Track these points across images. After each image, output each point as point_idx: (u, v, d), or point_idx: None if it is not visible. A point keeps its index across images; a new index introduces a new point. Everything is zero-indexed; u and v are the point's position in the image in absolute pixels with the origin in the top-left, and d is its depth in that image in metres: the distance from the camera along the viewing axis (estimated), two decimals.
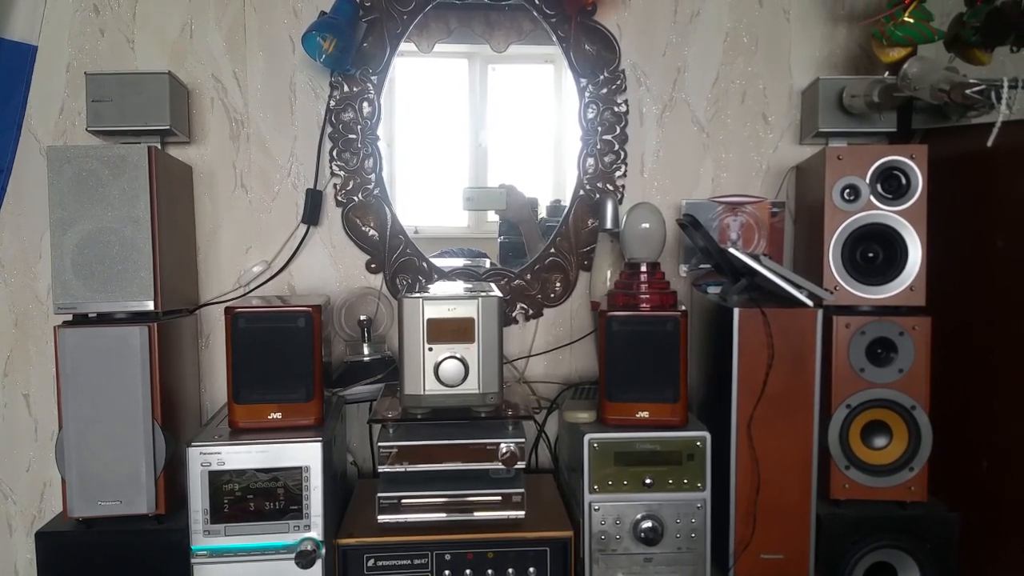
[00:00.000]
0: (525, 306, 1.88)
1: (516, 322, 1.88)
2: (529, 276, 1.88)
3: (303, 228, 1.85)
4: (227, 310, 1.37)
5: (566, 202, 1.88)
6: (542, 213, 1.92)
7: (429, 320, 1.40)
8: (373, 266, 1.86)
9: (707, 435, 1.40)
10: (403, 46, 1.85)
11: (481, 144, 1.91)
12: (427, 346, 1.41)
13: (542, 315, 1.89)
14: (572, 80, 1.86)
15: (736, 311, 1.39)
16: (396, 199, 1.86)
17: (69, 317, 1.53)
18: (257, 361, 1.37)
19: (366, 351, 1.75)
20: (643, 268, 1.51)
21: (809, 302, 1.39)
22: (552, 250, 1.87)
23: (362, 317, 1.76)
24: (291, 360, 1.38)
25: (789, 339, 1.40)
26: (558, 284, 1.88)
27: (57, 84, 1.82)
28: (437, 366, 1.40)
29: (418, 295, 1.41)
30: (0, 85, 1.82)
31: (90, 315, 1.54)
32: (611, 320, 1.43)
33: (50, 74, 1.82)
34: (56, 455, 1.50)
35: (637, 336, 1.43)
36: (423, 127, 1.92)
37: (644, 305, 1.48)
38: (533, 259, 1.88)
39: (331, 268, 1.87)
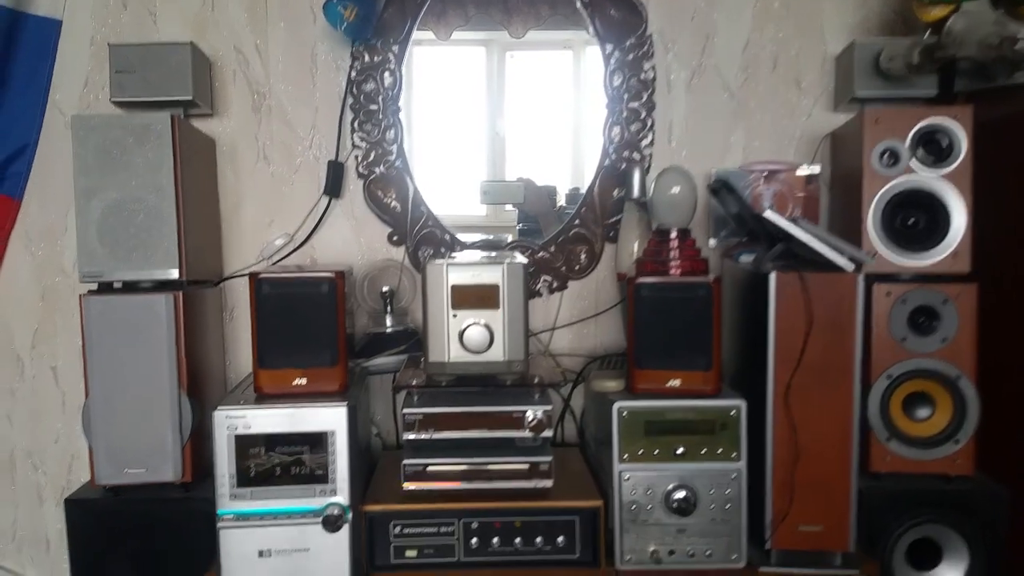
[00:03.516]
0: (549, 278, 1.84)
1: (540, 295, 1.85)
2: (553, 248, 1.84)
3: (325, 200, 1.83)
4: (251, 276, 1.35)
5: (585, 190, 1.84)
6: (561, 201, 1.88)
7: (454, 286, 1.37)
8: (395, 238, 1.84)
9: (742, 403, 1.36)
10: (420, 34, 1.82)
11: (499, 133, 1.88)
12: (451, 312, 1.38)
13: (567, 287, 1.86)
14: (591, 63, 1.82)
15: (772, 275, 1.34)
16: (417, 173, 1.83)
17: (95, 286, 1.53)
18: (281, 327, 1.35)
19: (388, 323, 1.73)
20: (673, 234, 1.47)
21: (849, 266, 1.34)
22: (576, 221, 1.83)
23: (384, 289, 1.74)
24: (315, 326, 1.35)
25: (828, 305, 1.35)
26: (583, 256, 1.84)
27: (81, 58, 1.82)
28: (462, 333, 1.37)
29: (442, 261, 1.38)
30: (27, 60, 1.83)
31: (115, 284, 1.53)
32: (640, 287, 1.39)
33: (74, 48, 1.82)
34: (83, 423, 1.50)
35: (667, 303, 1.39)
36: (441, 116, 1.89)
37: (674, 272, 1.44)
38: (557, 231, 1.84)
39: (353, 241, 1.85)
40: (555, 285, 1.84)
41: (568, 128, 1.90)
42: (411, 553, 1.37)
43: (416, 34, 1.81)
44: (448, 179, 1.88)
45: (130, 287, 1.53)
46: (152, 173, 1.52)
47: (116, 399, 1.48)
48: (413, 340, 1.71)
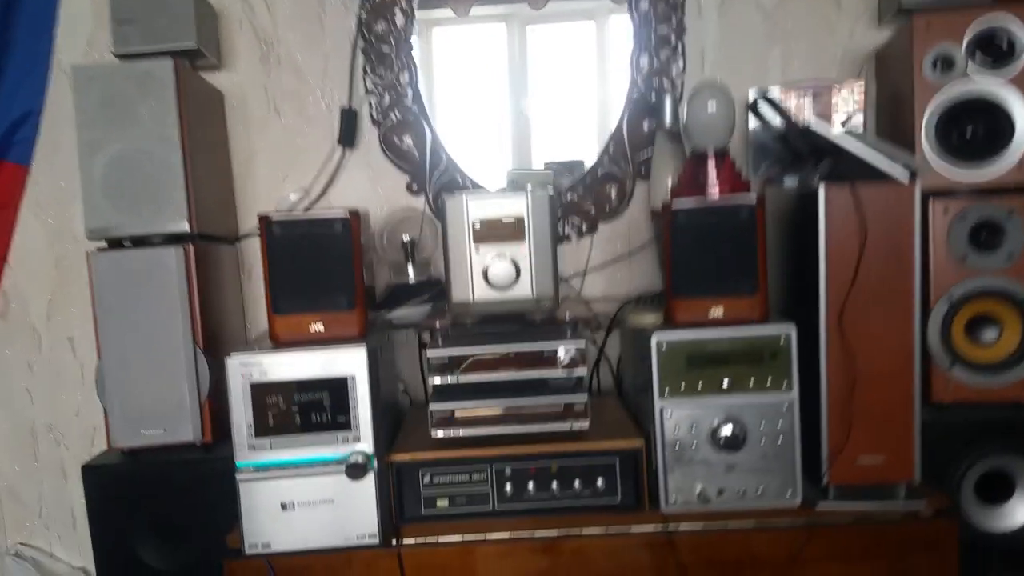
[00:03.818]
0: (578, 221, 1.75)
1: (569, 240, 1.75)
2: (581, 190, 1.74)
3: (339, 151, 1.75)
4: (261, 218, 1.28)
5: (614, 127, 1.73)
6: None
7: (475, 220, 1.29)
8: (414, 187, 1.76)
9: (792, 329, 1.25)
10: (439, 12, 1.73)
11: (523, 112, 1.78)
12: (474, 248, 1.29)
13: (596, 231, 1.76)
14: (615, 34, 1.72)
15: (821, 188, 1.23)
16: (434, 118, 1.74)
17: (104, 245, 1.47)
18: (295, 271, 1.27)
19: (411, 273, 1.65)
20: (711, 156, 1.36)
21: (904, 174, 1.23)
22: (605, 159, 1.73)
23: (405, 238, 1.66)
24: (330, 269, 1.27)
25: (882, 220, 1.24)
26: (613, 195, 1.74)
27: (84, 19, 1.76)
28: (486, 269, 1.29)
29: (462, 193, 1.29)
30: (28, 24, 1.77)
31: (124, 242, 1.47)
32: (677, 214, 1.29)
33: (76, 9, 1.76)
34: (97, 385, 1.44)
35: (707, 229, 1.28)
36: (462, 96, 1.79)
37: (713, 195, 1.34)
38: (584, 172, 1.74)
39: (371, 192, 1.77)
40: (584, 228, 1.75)
41: (593, 99, 1.79)
42: (442, 503, 1.30)
43: (437, 12, 1.74)
44: (472, 155, 1.78)
45: (139, 242, 1.46)
46: (157, 123, 1.45)
47: (130, 358, 1.42)
48: (437, 290, 1.62)
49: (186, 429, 1.42)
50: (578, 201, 1.74)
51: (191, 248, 1.44)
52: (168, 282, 1.42)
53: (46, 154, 1.78)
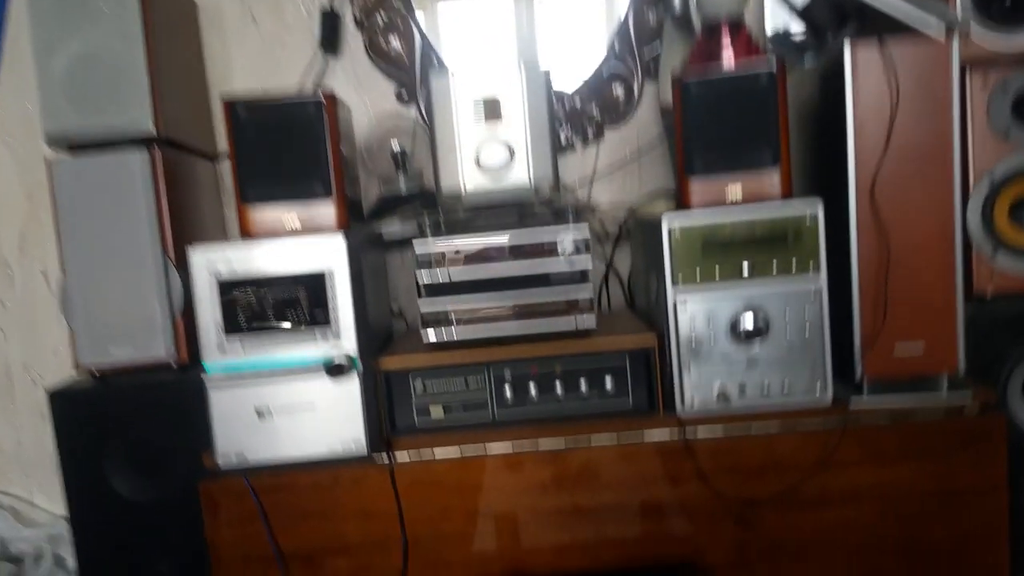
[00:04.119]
0: (583, 127, 1.62)
1: (573, 148, 1.63)
2: (586, 92, 1.61)
3: (322, 59, 1.63)
4: (226, 102, 1.16)
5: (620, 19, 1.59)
6: None
7: (463, 99, 1.16)
8: (404, 96, 1.63)
9: (819, 205, 1.12)
10: None
11: (525, 12, 1.64)
12: (463, 130, 1.17)
13: (603, 137, 1.63)
14: None
15: (847, 44, 1.10)
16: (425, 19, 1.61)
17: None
18: (266, 157, 1.15)
19: (402, 183, 1.53)
20: (724, 26, 1.23)
21: (940, 30, 1.09)
22: (611, 57, 1.59)
23: (395, 147, 1.53)
24: (304, 155, 1.16)
25: (916, 81, 1.11)
26: (620, 96, 1.60)
27: None
28: (478, 152, 1.17)
29: (448, 70, 1.17)
30: None
31: (86, 148, 1.36)
32: (689, 86, 1.16)
33: None
34: (60, 303, 1.33)
35: (722, 100, 1.15)
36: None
37: (728, 64, 1.21)
38: (589, 75, 1.61)
39: (358, 102, 1.64)
40: (590, 135, 1.62)
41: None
42: (437, 412, 1.18)
43: None
44: (463, 33, 1.65)
45: (104, 147, 1.35)
46: (117, 19, 1.33)
47: (96, 272, 1.31)
48: (430, 200, 1.50)
49: (157, 345, 1.31)
50: (582, 106, 1.61)
51: (158, 153, 1.32)
52: (133, 188, 1.31)
53: (9, 76, 1.67)
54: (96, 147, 1.34)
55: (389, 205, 1.51)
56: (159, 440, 1.30)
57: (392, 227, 1.48)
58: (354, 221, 1.27)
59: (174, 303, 1.32)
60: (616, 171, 1.63)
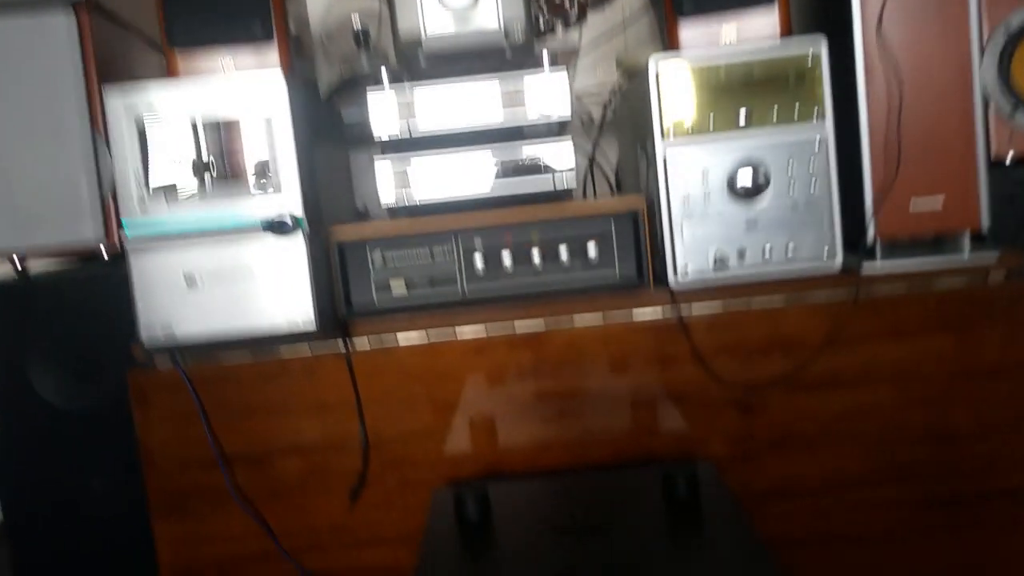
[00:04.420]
0: (564, 8, 1.48)
1: (553, 31, 1.49)
2: None
3: None
4: None
5: None
6: None
7: None
8: None
9: (822, 42, 1.00)
10: None
11: None
12: None
13: (585, 19, 1.49)
14: None
15: None
16: None
17: None
18: None
19: (365, 62, 1.38)
20: None
21: None
22: None
23: (356, 23, 1.39)
24: None
25: None
26: None
27: None
28: None
29: None
30: None
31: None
32: None
33: None
34: None
35: None
36: None
37: None
38: None
39: None
40: (573, 18, 1.48)
41: None
42: (398, 288, 1.05)
43: None
44: None
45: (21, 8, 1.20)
46: None
47: (16, 148, 1.16)
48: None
49: (85, 228, 1.15)
50: None
51: (86, 16, 1.17)
52: (58, 55, 1.16)
53: None
54: (14, 6, 1.20)
55: (351, 85, 1.37)
56: (89, 337, 1.16)
57: (353, 110, 1.34)
58: (310, 102, 1.13)
59: (104, 182, 1.18)
60: (602, 43, 1.48)
